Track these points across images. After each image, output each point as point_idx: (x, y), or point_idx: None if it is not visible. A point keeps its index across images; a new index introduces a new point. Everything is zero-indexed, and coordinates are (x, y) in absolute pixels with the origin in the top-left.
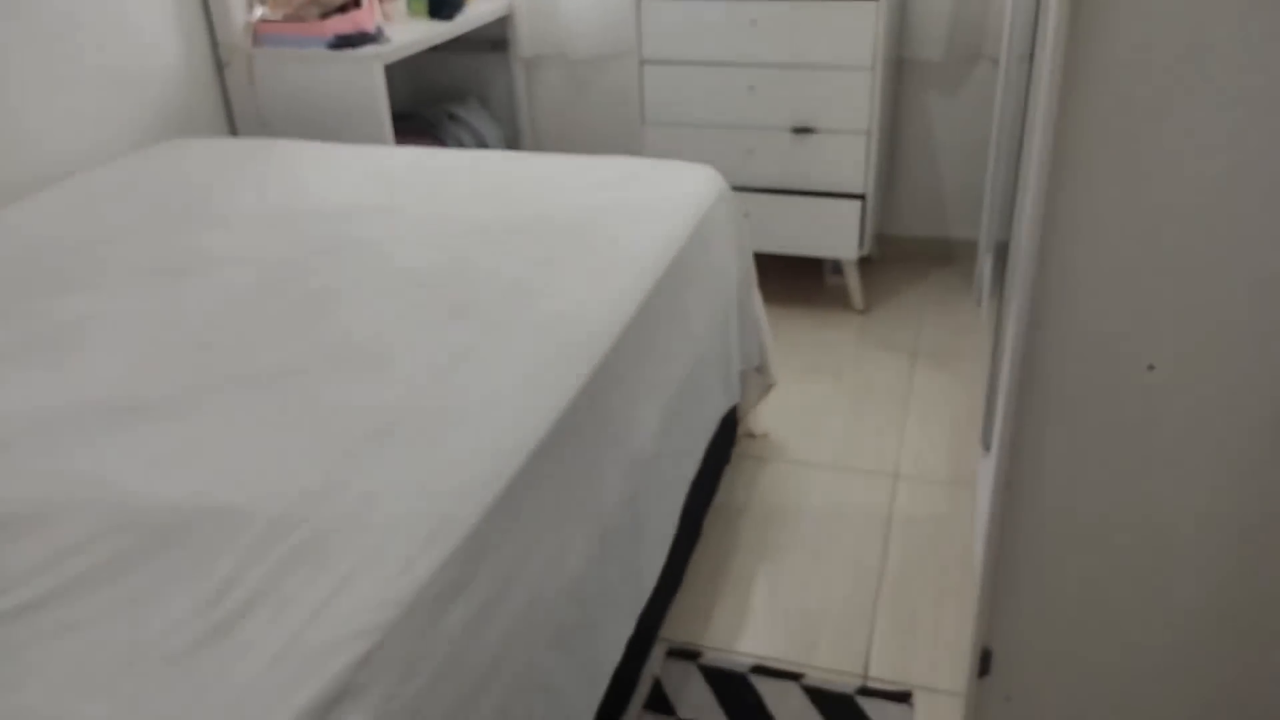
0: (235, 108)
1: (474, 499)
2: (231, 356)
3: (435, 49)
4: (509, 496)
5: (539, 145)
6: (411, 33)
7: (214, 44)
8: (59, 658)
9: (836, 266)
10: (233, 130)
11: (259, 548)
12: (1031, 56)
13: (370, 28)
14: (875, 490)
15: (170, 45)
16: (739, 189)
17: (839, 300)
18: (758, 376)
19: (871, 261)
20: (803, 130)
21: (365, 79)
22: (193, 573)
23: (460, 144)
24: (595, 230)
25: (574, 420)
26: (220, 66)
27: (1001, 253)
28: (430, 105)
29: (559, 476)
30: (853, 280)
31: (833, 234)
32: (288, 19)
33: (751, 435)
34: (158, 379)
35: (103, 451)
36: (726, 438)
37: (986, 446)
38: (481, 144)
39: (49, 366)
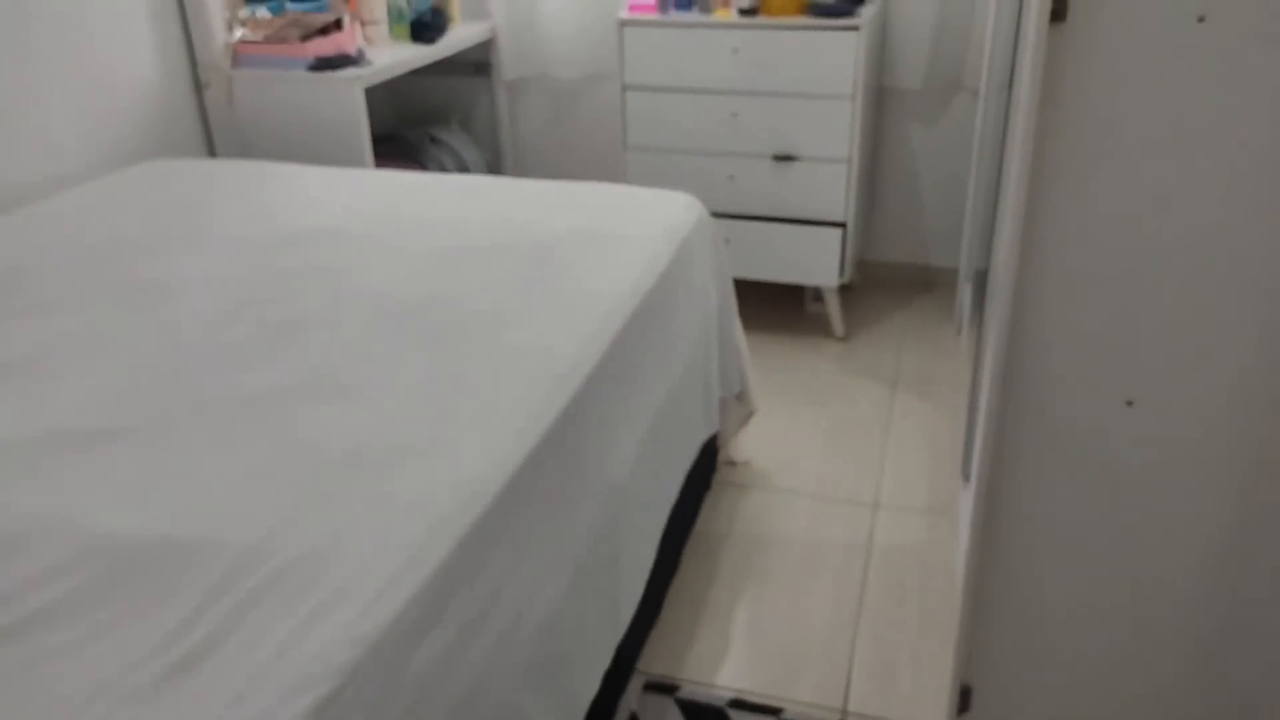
0: (214, 129)
1: (444, 532)
2: (200, 384)
3: (417, 71)
4: (480, 529)
5: (521, 169)
6: (393, 55)
7: (194, 64)
8: (20, 694)
9: (817, 294)
10: (211, 151)
11: (224, 582)
12: (1010, 86)
13: (351, 50)
14: (855, 520)
15: (149, 65)
16: (720, 215)
17: (820, 327)
18: (738, 404)
19: (852, 288)
20: (784, 158)
21: (345, 101)
22: (157, 607)
23: (441, 167)
24: (572, 257)
25: (548, 451)
26: (200, 87)
27: (981, 281)
28: (412, 127)
29: (532, 508)
30: (833, 307)
31: (813, 261)
32: (268, 40)
33: (732, 463)
34: (126, 406)
35: (69, 480)
36: (706, 465)
37: (967, 477)
38: (463, 167)
39: (16, 392)
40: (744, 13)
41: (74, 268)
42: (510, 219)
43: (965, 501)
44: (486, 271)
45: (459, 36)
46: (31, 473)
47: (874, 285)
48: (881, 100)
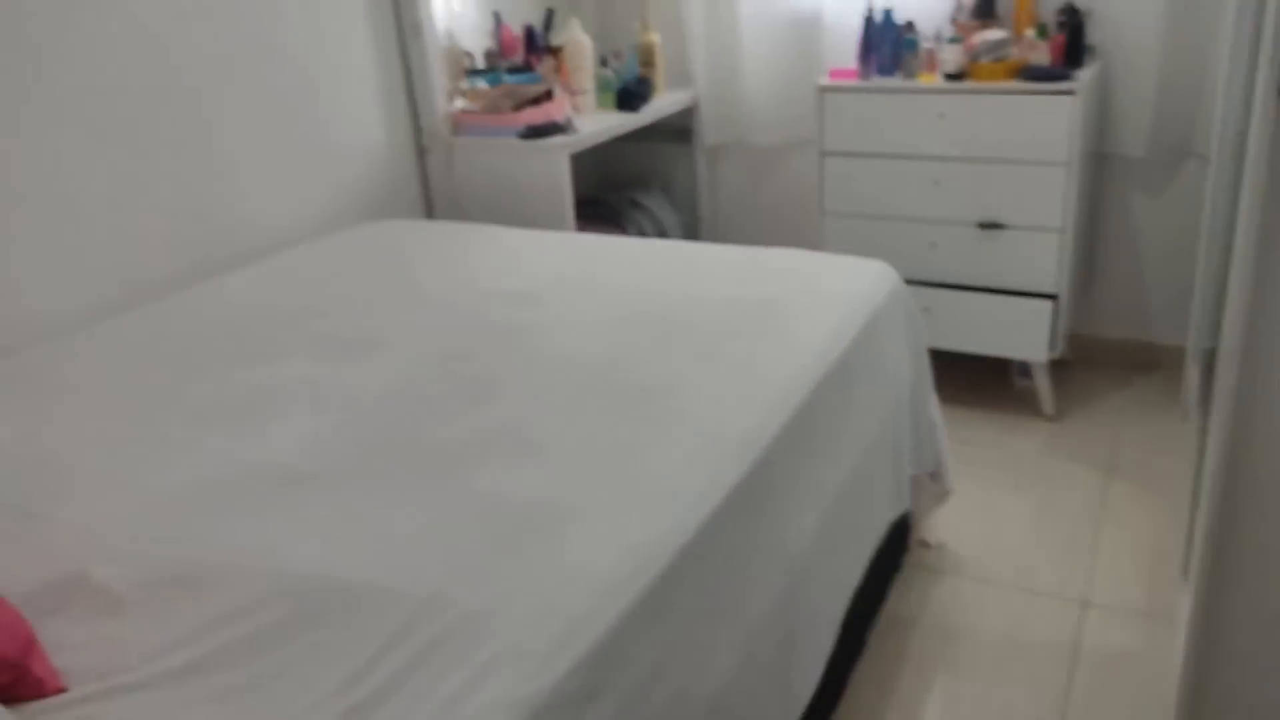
0: (433, 191)
1: (610, 600)
2: (398, 434)
3: (621, 137)
4: (647, 599)
5: (718, 233)
6: (599, 123)
7: (417, 132)
8: None
9: (1025, 369)
10: (429, 212)
11: (403, 631)
12: (1244, 153)
13: (560, 118)
14: (1060, 616)
15: (378, 132)
16: (920, 283)
17: (1027, 405)
18: (932, 482)
19: (1064, 365)
20: (991, 225)
21: (552, 167)
22: (339, 650)
23: (641, 230)
24: (760, 324)
25: (721, 522)
26: (422, 152)
27: (1211, 361)
28: (614, 191)
29: (705, 579)
30: (1043, 384)
31: (1022, 334)
32: (485, 110)
33: (925, 545)
34: (326, 452)
35: (268, 520)
36: (896, 545)
37: (1187, 576)
38: (661, 231)
39: (232, 434)
40: (950, 77)
41: (297, 319)
42: (700, 284)
43: (1185, 603)
44: (672, 336)
45: (662, 104)
46: (234, 510)
47: (1089, 362)
48: (1100, 167)
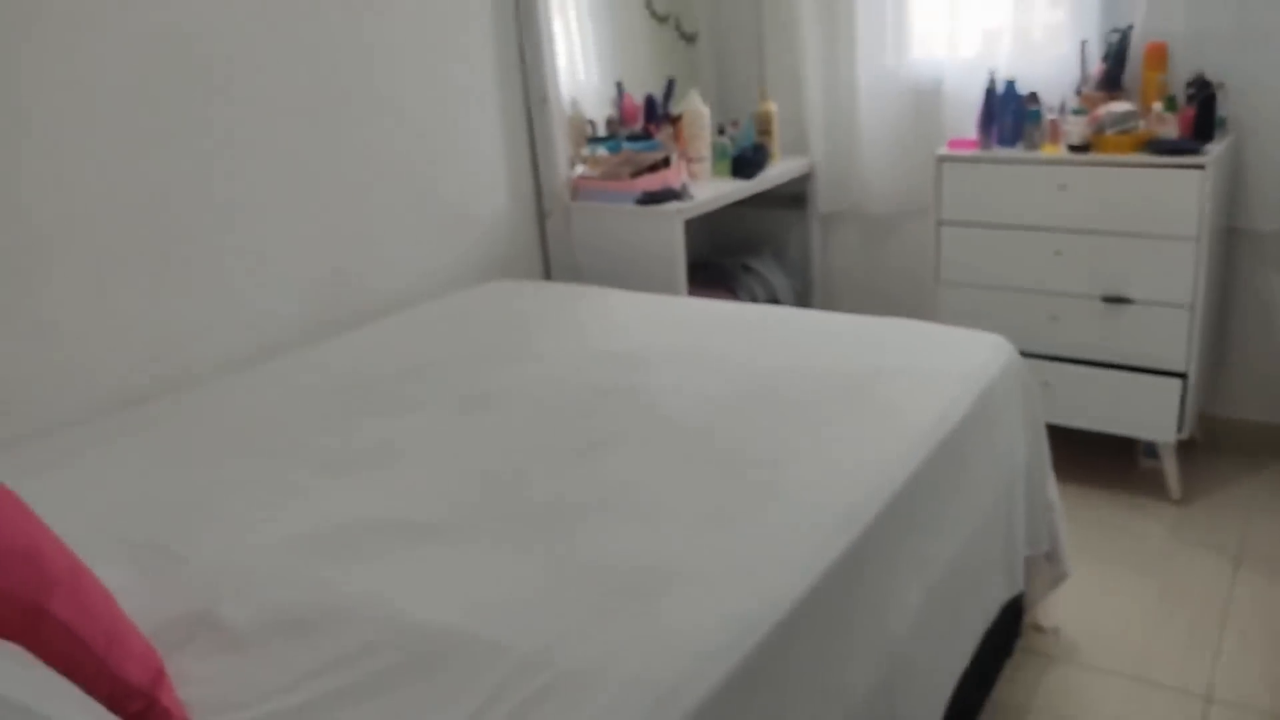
0: (552, 254)
1: (708, 667)
2: (511, 489)
3: (735, 204)
4: (745, 669)
5: (830, 301)
6: (714, 189)
7: (538, 195)
8: None
9: (1151, 449)
10: (547, 274)
11: (506, 685)
12: None
13: (676, 185)
14: (1182, 713)
15: (502, 196)
16: (1040, 357)
17: (1152, 487)
18: (1048, 564)
19: (1193, 446)
20: (1115, 300)
21: (666, 232)
22: (445, 700)
23: (753, 296)
24: (871, 394)
25: (822, 595)
26: (543, 216)
27: None
28: (727, 256)
29: (803, 655)
30: (1169, 465)
31: (1147, 413)
32: (604, 176)
33: (1039, 629)
34: (442, 504)
35: (384, 568)
36: (1008, 629)
37: None
38: (773, 297)
39: (355, 484)
40: (1075, 149)
41: (420, 374)
42: (809, 352)
43: None
44: (778, 404)
45: (777, 171)
46: (353, 557)
47: (1220, 444)
48: (1232, 241)
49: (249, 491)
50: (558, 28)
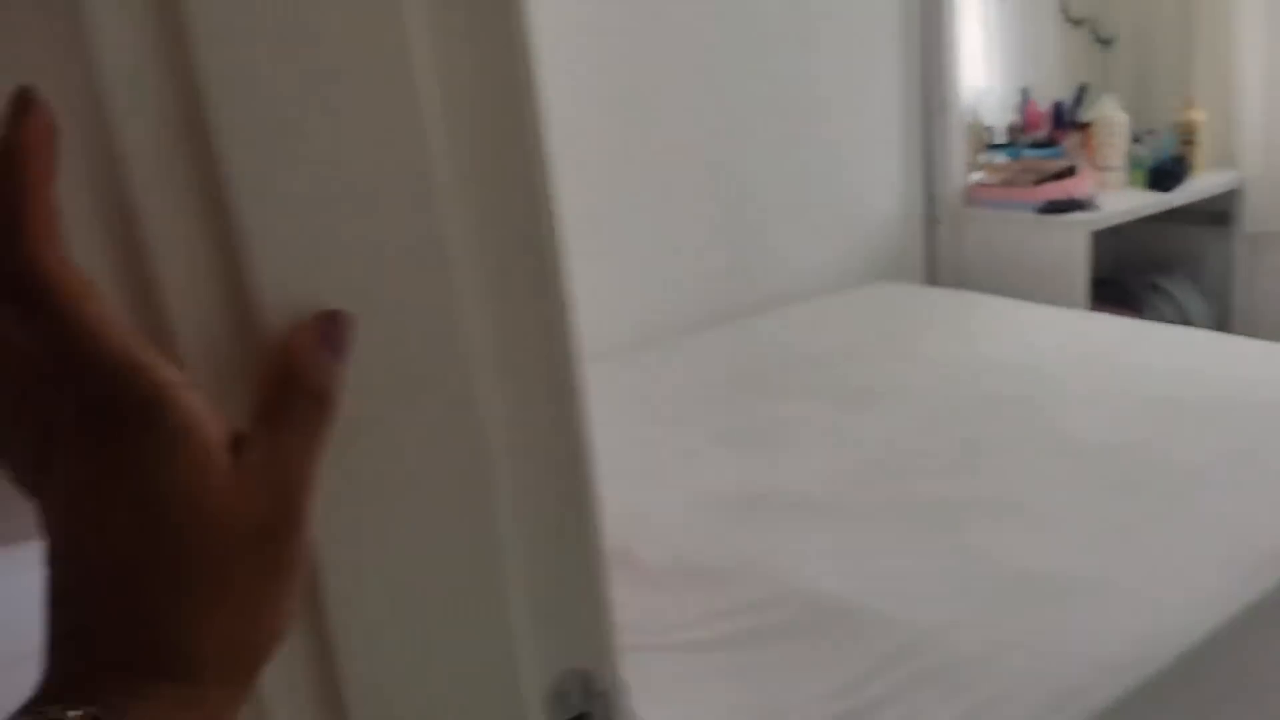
0: (939, 260)
1: (1109, 681)
2: (893, 481)
3: (1147, 218)
4: (1142, 692)
5: (1252, 329)
6: (1125, 202)
7: (929, 201)
8: (708, 697)
9: None
10: (931, 280)
11: (895, 657)
12: None
13: (1082, 195)
14: None
15: (893, 199)
16: None
17: None
18: None
19: None
20: None
21: (1068, 244)
22: (833, 659)
23: (1161, 317)
24: None
25: (1239, 633)
26: (932, 222)
27: None
28: (1134, 274)
29: (1205, 692)
30: None
31: None
32: (1003, 184)
33: None
34: (828, 486)
35: (779, 534)
36: None
37: None
38: (1185, 320)
39: (753, 457)
40: None
41: (810, 364)
42: (1230, 379)
43: None
44: (1199, 429)
45: (1199, 185)
46: (749, 520)
47: None
48: None
49: (654, 454)
50: (963, 32)
